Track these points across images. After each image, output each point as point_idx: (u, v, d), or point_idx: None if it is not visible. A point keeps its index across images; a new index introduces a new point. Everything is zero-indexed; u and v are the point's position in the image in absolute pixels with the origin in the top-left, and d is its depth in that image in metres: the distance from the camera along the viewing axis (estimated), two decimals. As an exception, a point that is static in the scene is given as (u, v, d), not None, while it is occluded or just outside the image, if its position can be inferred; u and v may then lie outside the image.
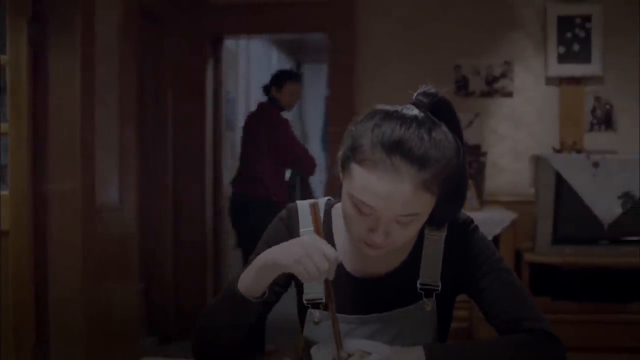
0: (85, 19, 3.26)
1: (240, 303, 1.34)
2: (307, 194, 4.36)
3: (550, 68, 4.34)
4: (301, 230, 1.45)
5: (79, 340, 3.23)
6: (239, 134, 6.30)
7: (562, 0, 4.36)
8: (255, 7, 4.65)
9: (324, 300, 1.43)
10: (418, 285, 1.43)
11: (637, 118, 4.30)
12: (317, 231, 1.35)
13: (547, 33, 4.35)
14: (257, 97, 7.03)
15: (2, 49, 3.05)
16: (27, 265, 3.05)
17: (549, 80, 4.38)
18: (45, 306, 3.17)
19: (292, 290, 1.53)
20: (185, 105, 4.64)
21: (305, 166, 4.36)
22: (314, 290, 1.44)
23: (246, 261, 1.50)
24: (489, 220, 3.57)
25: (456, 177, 1.29)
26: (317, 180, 5.31)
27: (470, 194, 4.13)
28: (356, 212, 1.28)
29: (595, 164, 3.59)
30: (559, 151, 4.08)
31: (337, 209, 1.50)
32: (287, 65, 8.91)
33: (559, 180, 3.62)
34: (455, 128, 1.33)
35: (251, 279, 1.33)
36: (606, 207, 3.57)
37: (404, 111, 1.28)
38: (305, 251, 1.25)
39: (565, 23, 4.32)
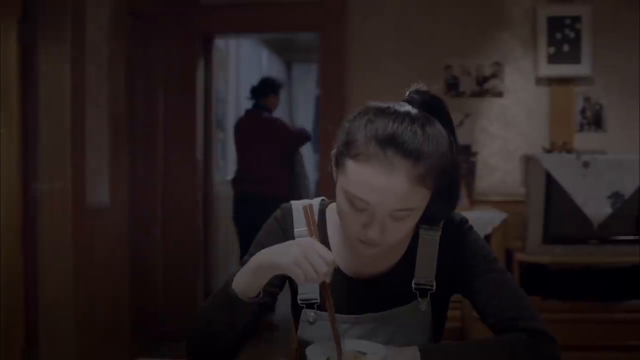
0: (75, 19, 3.26)
1: (234, 304, 1.33)
2: (300, 171, 4.91)
3: (540, 68, 4.36)
4: (295, 230, 1.45)
5: (69, 341, 3.22)
6: (229, 133, 6.31)
7: (552, 1, 4.37)
8: (246, 7, 4.64)
9: (318, 301, 1.44)
10: (413, 285, 1.43)
11: (626, 118, 4.32)
12: (311, 234, 1.35)
13: (537, 34, 4.36)
14: (248, 96, 7.04)
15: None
16: (17, 266, 3.04)
17: (539, 81, 4.40)
18: (35, 307, 3.15)
19: (285, 290, 1.53)
20: (175, 104, 4.63)
21: (304, 140, 4.94)
22: (309, 291, 1.44)
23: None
24: (480, 220, 3.57)
25: (449, 173, 1.29)
26: (311, 180, 5.43)
27: (461, 194, 4.14)
28: (351, 208, 1.28)
29: (586, 164, 3.61)
30: (549, 151, 4.10)
31: (331, 209, 1.50)
32: (277, 64, 8.91)
33: (549, 180, 3.63)
34: (447, 125, 1.33)
35: (246, 280, 1.33)
36: (596, 207, 3.58)
37: (397, 107, 1.29)
38: (303, 253, 1.24)
39: (555, 24, 4.34)
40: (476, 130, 4.43)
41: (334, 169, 1.34)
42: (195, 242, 4.74)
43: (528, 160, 3.75)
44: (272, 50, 8.34)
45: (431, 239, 1.43)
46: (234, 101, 6.58)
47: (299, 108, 9.55)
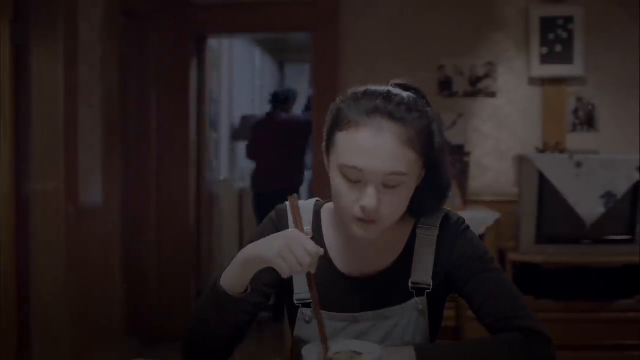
0: (67, 19, 3.24)
1: (224, 300, 1.34)
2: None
3: (533, 69, 4.37)
4: (290, 230, 1.44)
5: (62, 342, 3.21)
6: (223, 133, 6.31)
7: (544, 1, 4.38)
8: (239, 7, 4.64)
9: None
10: (410, 284, 1.44)
11: (619, 118, 4.34)
12: (297, 226, 1.35)
13: (529, 34, 4.37)
14: (241, 96, 7.04)
15: (-16, 48, 3.03)
16: (9, 266, 3.02)
17: (532, 81, 4.41)
18: (28, 307, 3.14)
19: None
20: (169, 104, 4.62)
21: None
22: (305, 290, 1.44)
23: None
24: (473, 220, 3.54)
25: (437, 151, 1.37)
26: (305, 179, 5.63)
27: (454, 193, 4.15)
28: (345, 184, 1.32)
29: (578, 164, 3.62)
30: (542, 151, 4.11)
31: (326, 209, 1.52)
32: (270, 64, 8.91)
33: (542, 180, 3.64)
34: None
35: (234, 275, 1.34)
36: (589, 207, 3.60)
37: (382, 87, 1.39)
38: (287, 246, 1.25)
39: (547, 24, 4.35)
40: (469, 130, 4.43)
41: (326, 158, 1.39)
42: (188, 241, 4.73)
43: (521, 160, 3.76)
44: (265, 50, 8.34)
45: (428, 238, 1.45)
46: (227, 101, 6.57)
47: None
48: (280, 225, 1.48)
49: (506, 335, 1.36)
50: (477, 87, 4.43)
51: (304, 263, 1.24)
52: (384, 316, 1.43)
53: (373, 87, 1.37)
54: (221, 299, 1.34)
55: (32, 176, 3.15)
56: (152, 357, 4.17)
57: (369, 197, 1.29)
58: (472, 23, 4.43)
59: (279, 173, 5.26)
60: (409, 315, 1.43)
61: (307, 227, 1.47)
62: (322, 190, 1.63)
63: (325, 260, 1.44)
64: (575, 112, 4.38)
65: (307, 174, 5.57)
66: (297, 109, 6.10)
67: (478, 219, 3.80)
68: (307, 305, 1.45)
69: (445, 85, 4.42)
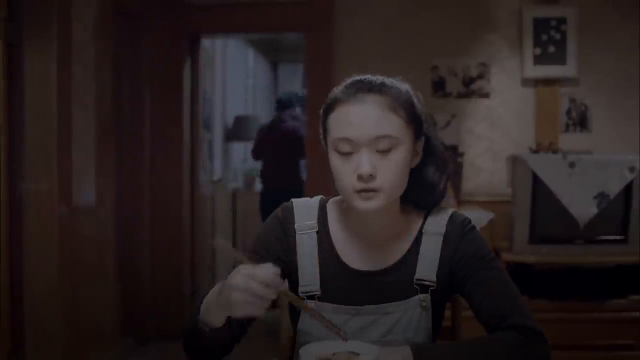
0: (61, 18, 3.24)
1: (203, 335, 1.35)
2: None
3: (526, 69, 4.38)
4: (296, 224, 1.51)
5: (56, 343, 3.20)
6: (216, 133, 6.30)
7: (537, 2, 4.40)
8: (233, 7, 4.63)
9: (319, 292, 1.47)
10: (414, 281, 1.46)
11: (611, 119, 4.36)
12: (242, 262, 1.27)
13: (522, 35, 4.38)
14: (234, 96, 7.03)
15: (-23, 48, 3.01)
16: (2, 267, 3.01)
17: (525, 82, 4.42)
18: (21, 307, 3.13)
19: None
20: (162, 104, 4.61)
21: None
22: (309, 283, 1.48)
23: None
24: (467, 220, 3.58)
25: (427, 129, 1.47)
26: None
27: (448, 194, 4.15)
28: (340, 158, 1.40)
29: (571, 164, 3.63)
30: (535, 151, 4.12)
31: (332, 203, 1.56)
32: (263, 64, 8.90)
33: (536, 180, 3.65)
34: None
35: (210, 314, 1.33)
36: (582, 207, 3.60)
37: (365, 75, 1.48)
38: (244, 297, 1.20)
39: (540, 25, 4.36)
40: (462, 130, 4.44)
41: (324, 144, 1.47)
42: (182, 242, 4.72)
43: (514, 161, 3.77)
44: (258, 50, 8.33)
45: (435, 237, 1.48)
46: (220, 101, 6.56)
47: (285, 108, 9.52)
48: (285, 220, 1.52)
49: (502, 334, 1.37)
50: (471, 88, 4.44)
51: (266, 296, 1.21)
52: (386, 311, 1.45)
53: (358, 76, 1.48)
54: (201, 335, 1.35)
55: (26, 176, 3.14)
56: (145, 356, 4.16)
57: (363, 163, 1.36)
58: (465, 24, 4.44)
59: (282, 174, 5.60)
60: (411, 311, 1.45)
61: (305, 223, 1.52)
62: (317, 192, 1.67)
63: (331, 253, 1.49)
64: (568, 112, 4.40)
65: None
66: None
67: (472, 219, 3.79)
68: (311, 297, 1.47)
69: (438, 86, 4.43)
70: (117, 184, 4.02)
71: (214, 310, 1.31)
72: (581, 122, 4.38)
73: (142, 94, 4.54)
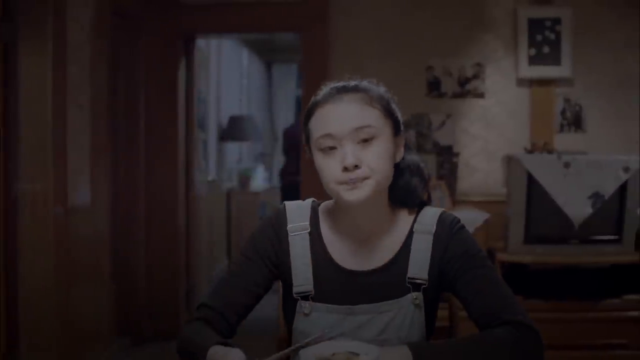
0: (56, 18, 3.23)
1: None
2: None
3: (521, 69, 4.39)
4: (289, 226, 1.54)
5: (50, 343, 3.19)
6: (211, 133, 6.29)
7: (532, 3, 4.41)
8: (228, 7, 4.63)
9: (313, 293, 1.49)
10: (406, 279, 1.48)
11: (606, 119, 4.37)
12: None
13: (517, 35, 4.39)
14: (228, 96, 7.03)
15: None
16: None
17: (520, 82, 4.43)
18: (15, 307, 3.12)
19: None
20: (157, 104, 4.61)
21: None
22: (304, 282, 1.50)
23: None
24: (462, 220, 3.58)
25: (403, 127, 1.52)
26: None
27: (443, 194, 4.16)
28: (325, 156, 1.44)
29: (566, 165, 3.64)
30: (530, 152, 4.13)
31: (324, 206, 1.58)
32: (257, 65, 8.90)
33: (531, 180, 3.66)
34: None
35: None
36: (577, 207, 3.61)
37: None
38: None
39: (535, 25, 4.37)
40: (457, 131, 4.45)
41: (307, 150, 1.50)
42: (177, 241, 4.72)
43: (509, 161, 3.78)
44: (252, 50, 8.33)
45: (425, 237, 1.50)
46: (215, 101, 6.56)
47: (279, 108, 9.55)
48: (277, 222, 1.55)
49: (497, 330, 1.39)
50: (466, 88, 4.44)
51: None
52: (380, 310, 1.47)
53: (333, 83, 1.54)
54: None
55: (21, 176, 3.13)
56: (140, 356, 4.15)
57: (347, 155, 1.41)
58: (460, 24, 4.45)
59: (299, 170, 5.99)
60: (405, 310, 1.47)
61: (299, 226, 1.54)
62: (311, 193, 1.71)
63: (323, 254, 1.51)
64: (563, 112, 4.41)
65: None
66: (280, 110, 6.67)
67: (467, 219, 3.74)
68: (306, 297, 1.49)
69: (433, 86, 4.43)
70: (112, 184, 4.02)
71: None
72: (576, 123, 4.40)
73: (138, 94, 4.53)
